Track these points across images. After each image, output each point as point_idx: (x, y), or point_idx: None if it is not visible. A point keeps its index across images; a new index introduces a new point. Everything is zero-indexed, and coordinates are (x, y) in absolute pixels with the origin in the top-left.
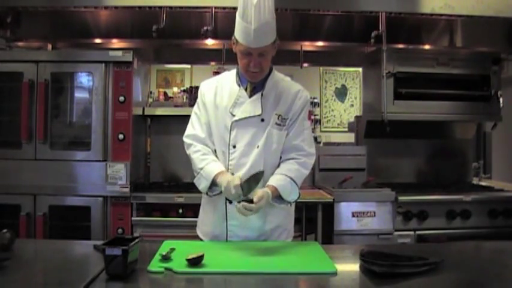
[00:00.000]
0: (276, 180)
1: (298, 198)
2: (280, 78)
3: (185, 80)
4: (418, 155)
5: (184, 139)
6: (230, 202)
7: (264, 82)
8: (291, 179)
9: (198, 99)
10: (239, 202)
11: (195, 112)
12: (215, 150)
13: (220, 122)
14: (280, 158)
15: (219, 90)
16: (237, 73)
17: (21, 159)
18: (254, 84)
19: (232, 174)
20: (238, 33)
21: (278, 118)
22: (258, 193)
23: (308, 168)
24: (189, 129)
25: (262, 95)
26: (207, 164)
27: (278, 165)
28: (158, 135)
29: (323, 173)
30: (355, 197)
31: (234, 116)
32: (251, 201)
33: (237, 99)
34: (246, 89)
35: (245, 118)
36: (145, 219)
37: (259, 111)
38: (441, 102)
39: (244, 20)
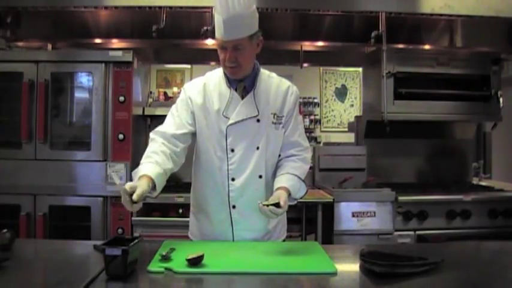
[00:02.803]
0: (285, 180)
1: (306, 193)
2: (267, 75)
3: (185, 80)
4: (418, 155)
5: (150, 134)
6: (234, 207)
7: (254, 81)
8: (298, 176)
9: (180, 101)
10: (266, 206)
11: (172, 112)
12: (184, 149)
13: (213, 127)
14: (279, 155)
15: (208, 92)
16: (225, 74)
17: (21, 159)
18: (244, 84)
19: (233, 179)
20: (215, 27)
21: (273, 117)
22: (282, 197)
23: (309, 162)
24: (159, 127)
25: (253, 94)
26: (142, 164)
27: (276, 164)
28: None
29: (323, 173)
30: (355, 197)
31: (228, 119)
32: (277, 205)
33: (229, 102)
34: (236, 90)
35: (242, 120)
36: (145, 219)
37: (255, 112)
38: (441, 102)
39: (217, 12)
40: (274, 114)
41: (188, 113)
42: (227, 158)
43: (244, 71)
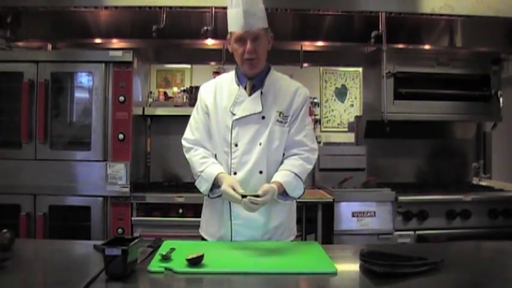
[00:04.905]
0: (280, 176)
1: (303, 194)
2: (279, 76)
3: (185, 80)
4: (418, 155)
5: (183, 142)
6: None
7: (263, 80)
8: (295, 174)
9: (198, 103)
10: (244, 197)
11: (194, 116)
12: (215, 154)
13: (221, 122)
14: (283, 154)
15: (218, 91)
16: (236, 73)
17: (21, 159)
18: (253, 82)
19: (235, 173)
20: (230, 23)
21: (279, 115)
22: (263, 187)
23: (312, 163)
24: (188, 134)
25: (261, 93)
26: (207, 167)
27: (281, 162)
28: (158, 135)
29: (323, 173)
30: (355, 197)
31: (234, 115)
32: (257, 196)
33: (236, 98)
34: (245, 88)
35: (246, 116)
36: (145, 219)
37: (259, 109)
38: (441, 102)
39: (234, 6)
40: (281, 112)
41: (204, 114)
42: (231, 152)
43: (261, 65)
